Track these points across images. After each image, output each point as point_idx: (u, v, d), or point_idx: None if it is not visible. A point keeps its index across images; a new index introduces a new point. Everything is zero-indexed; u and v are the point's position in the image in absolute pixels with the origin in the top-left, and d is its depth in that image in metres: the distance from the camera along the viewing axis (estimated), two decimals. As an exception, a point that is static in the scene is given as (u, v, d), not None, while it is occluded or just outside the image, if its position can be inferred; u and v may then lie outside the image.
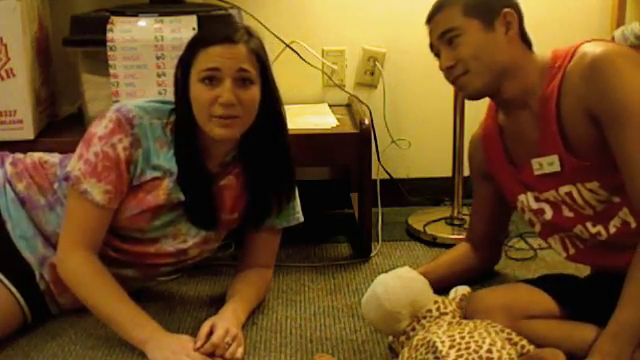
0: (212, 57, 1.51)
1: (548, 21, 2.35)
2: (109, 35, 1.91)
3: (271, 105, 1.60)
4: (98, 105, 1.99)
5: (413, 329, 1.43)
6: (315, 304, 1.79)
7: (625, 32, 2.16)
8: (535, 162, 1.54)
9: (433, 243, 2.17)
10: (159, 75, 1.94)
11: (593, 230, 1.52)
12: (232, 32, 1.54)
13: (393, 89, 2.45)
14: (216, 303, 1.72)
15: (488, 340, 1.29)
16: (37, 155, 1.72)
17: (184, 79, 1.55)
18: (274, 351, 1.56)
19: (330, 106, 2.35)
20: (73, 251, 1.55)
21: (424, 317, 1.43)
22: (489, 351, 1.27)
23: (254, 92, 1.55)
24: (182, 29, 1.93)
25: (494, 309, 1.47)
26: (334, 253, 2.11)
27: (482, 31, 1.50)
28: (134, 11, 1.99)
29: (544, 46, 1.57)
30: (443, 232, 2.20)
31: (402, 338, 1.44)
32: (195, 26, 1.94)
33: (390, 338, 1.50)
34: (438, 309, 1.44)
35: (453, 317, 1.44)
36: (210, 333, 1.50)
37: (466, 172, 1.99)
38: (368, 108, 2.32)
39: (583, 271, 1.72)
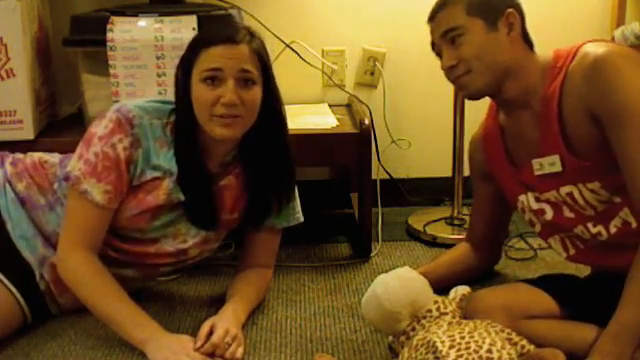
0: (214, 57, 1.51)
1: (548, 21, 2.35)
2: (109, 35, 1.91)
3: (272, 106, 1.60)
4: (98, 105, 1.99)
5: (413, 329, 1.43)
6: (315, 304, 1.79)
7: (625, 32, 2.16)
8: (536, 162, 1.53)
9: (433, 243, 2.17)
10: (159, 75, 1.94)
11: (594, 230, 1.52)
12: (234, 32, 1.54)
13: (393, 89, 2.45)
14: (216, 303, 1.72)
15: (488, 340, 1.29)
16: (37, 155, 1.72)
17: (185, 79, 1.55)
18: (274, 351, 1.56)
19: (330, 106, 2.35)
20: (73, 251, 1.55)
21: (424, 317, 1.43)
22: (489, 351, 1.27)
23: (256, 92, 1.55)
24: (182, 29, 1.93)
25: (494, 309, 1.47)
26: (334, 253, 2.11)
27: (485, 31, 1.50)
28: (134, 11, 1.99)
29: (545, 46, 1.57)
30: (443, 232, 2.20)
31: (402, 338, 1.44)
32: (195, 26, 1.94)
33: (390, 338, 1.50)
34: (438, 309, 1.44)
35: (453, 317, 1.43)
36: (210, 333, 1.50)
37: (466, 172, 1.99)
38: (368, 108, 2.32)
39: (583, 271, 1.72)
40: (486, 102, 1.63)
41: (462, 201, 2.29)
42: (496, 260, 1.91)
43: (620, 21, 2.34)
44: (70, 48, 2.02)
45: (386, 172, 2.44)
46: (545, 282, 1.59)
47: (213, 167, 1.63)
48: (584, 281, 1.66)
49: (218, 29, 1.64)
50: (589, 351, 1.40)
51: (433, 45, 1.58)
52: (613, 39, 2.19)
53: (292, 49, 2.34)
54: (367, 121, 2.02)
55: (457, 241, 1.98)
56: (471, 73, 1.51)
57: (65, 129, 2.10)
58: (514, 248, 2.09)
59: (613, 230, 1.50)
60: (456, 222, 2.27)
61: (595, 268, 1.67)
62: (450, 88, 2.18)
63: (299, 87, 2.40)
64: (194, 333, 1.53)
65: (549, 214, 1.58)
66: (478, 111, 1.77)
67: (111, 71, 1.93)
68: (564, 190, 1.52)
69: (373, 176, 2.18)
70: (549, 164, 1.51)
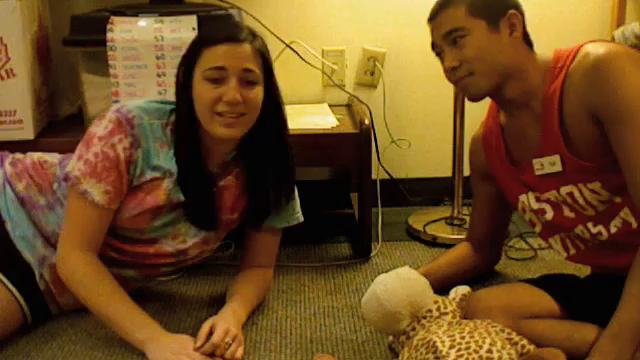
0: (217, 56, 1.51)
1: (548, 21, 2.36)
2: (109, 35, 1.91)
3: (273, 106, 1.61)
4: (98, 105, 1.99)
5: (413, 329, 1.43)
6: (315, 304, 1.79)
7: (625, 32, 2.16)
8: (536, 162, 1.53)
9: (433, 243, 2.16)
10: (159, 75, 1.94)
11: (594, 230, 1.52)
12: (237, 31, 1.55)
13: (393, 89, 2.45)
14: (216, 303, 1.72)
15: (488, 340, 1.29)
16: (37, 155, 1.72)
17: (186, 78, 1.55)
18: (274, 351, 1.56)
19: (330, 106, 2.35)
20: (73, 251, 1.55)
21: (424, 317, 1.43)
22: (489, 351, 1.27)
23: (258, 92, 1.55)
24: (182, 29, 1.93)
25: (494, 309, 1.47)
26: (334, 253, 2.11)
27: (488, 32, 1.49)
28: (134, 11, 1.99)
29: (545, 46, 1.57)
30: (443, 232, 2.20)
31: (402, 338, 1.44)
32: (195, 26, 1.94)
33: (390, 338, 1.50)
34: (438, 309, 1.44)
35: (453, 317, 1.44)
36: (210, 333, 1.50)
37: (466, 172, 1.99)
38: (368, 108, 2.32)
39: (583, 271, 1.73)
40: (486, 102, 1.63)
41: (462, 201, 2.29)
42: (496, 260, 1.91)
43: (620, 21, 2.34)
44: (70, 48, 2.02)
45: (386, 172, 2.44)
46: (545, 282, 1.59)
47: (213, 167, 1.63)
48: (584, 281, 1.66)
49: (220, 28, 1.64)
50: (589, 351, 1.40)
51: (433, 45, 1.57)
52: (613, 39, 2.19)
53: (292, 49, 2.34)
54: (367, 121, 2.02)
55: (457, 241, 1.98)
56: (474, 75, 1.51)
57: (65, 129, 2.10)
58: (514, 248, 2.09)
59: (613, 230, 1.50)
60: (456, 222, 2.27)
61: (595, 268, 1.67)
62: (450, 88, 2.19)
63: (299, 87, 2.40)
64: (194, 333, 1.53)
65: (549, 214, 1.58)
66: (478, 111, 1.77)
67: (111, 71, 1.93)
68: (564, 190, 1.52)
69: (373, 176, 2.18)
70: (549, 164, 1.51)
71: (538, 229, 1.65)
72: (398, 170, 2.48)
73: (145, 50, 1.92)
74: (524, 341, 1.38)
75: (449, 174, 2.31)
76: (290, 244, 2.06)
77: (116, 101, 1.91)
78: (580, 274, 1.71)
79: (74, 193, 1.55)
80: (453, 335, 1.32)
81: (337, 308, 1.76)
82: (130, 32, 1.93)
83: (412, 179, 2.51)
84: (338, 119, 2.16)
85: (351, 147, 2.02)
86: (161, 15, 1.96)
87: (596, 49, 1.43)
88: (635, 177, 1.38)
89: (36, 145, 1.90)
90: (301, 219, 1.77)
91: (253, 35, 1.56)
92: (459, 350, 1.28)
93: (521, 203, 1.63)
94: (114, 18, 1.95)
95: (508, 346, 1.30)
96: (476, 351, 1.27)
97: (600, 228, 1.51)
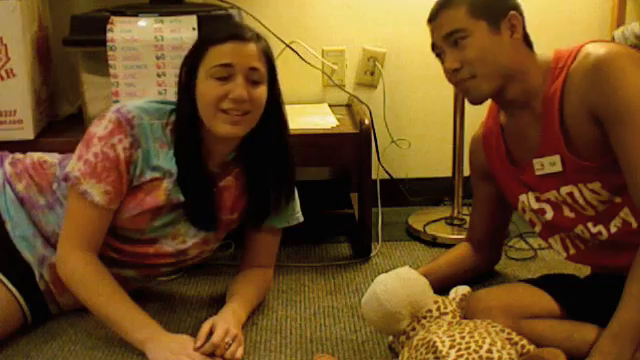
0: (224, 53, 1.51)
1: (548, 21, 2.35)
2: (109, 35, 1.91)
3: (275, 107, 1.61)
4: (98, 105, 1.99)
5: (413, 329, 1.43)
6: (315, 304, 1.79)
7: (625, 32, 2.16)
8: (537, 162, 1.53)
9: (433, 243, 2.17)
10: (159, 75, 1.94)
11: (594, 230, 1.52)
12: (242, 31, 1.55)
13: (393, 89, 2.45)
14: (216, 303, 1.72)
15: (488, 340, 1.29)
16: (36, 155, 1.72)
17: (190, 77, 1.55)
18: (274, 351, 1.56)
19: (330, 106, 2.35)
20: (73, 252, 1.55)
21: (424, 317, 1.43)
22: (489, 351, 1.27)
23: (263, 91, 1.55)
24: (182, 29, 1.93)
25: (494, 309, 1.47)
26: (334, 253, 2.11)
27: (489, 33, 1.49)
28: (134, 11, 1.99)
29: (545, 46, 1.56)
30: (443, 232, 2.20)
31: (402, 338, 1.44)
32: (195, 26, 1.94)
33: (390, 338, 1.50)
34: (438, 309, 1.44)
35: (453, 317, 1.43)
36: (210, 333, 1.50)
37: (466, 172, 1.99)
38: (368, 108, 2.32)
39: (583, 271, 1.73)
40: (486, 102, 1.63)
41: (462, 201, 2.29)
42: (496, 260, 1.91)
43: (620, 21, 2.34)
44: (70, 48, 2.02)
45: (386, 172, 2.44)
46: (545, 282, 1.59)
47: (213, 167, 1.63)
48: (584, 281, 1.66)
49: (224, 27, 1.64)
50: (589, 351, 1.40)
51: (433, 46, 1.57)
52: (613, 39, 2.19)
53: (292, 49, 2.34)
54: (367, 121, 2.02)
55: (457, 241, 1.98)
56: (476, 78, 1.50)
57: (65, 129, 2.10)
58: (514, 248, 2.09)
59: (613, 230, 1.50)
60: (456, 222, 2.27)
61: (595, 268, 1.67)
62: (450, 88, 2.18)
63: (299, 87, 2.40)
64: (194, 333, 1.53)
65: (549, 214, 1.58)
66: (478, 111, 1.77)
67: (111, 71, 1.93)
68: (564, 190, 1.52)
69: (373, 176, 2.18)
70: (550, 164, 1.51)
71: (538, 229, 1.65)
72: (398, 170, 2.48)
73: (145, 50, 1.92)
74: (524, 341, 1.38)
75: (449, 174, 2.31)
76: (290, 244, 2.06)
77: (116, 101, 1.91)
78: (580, 274, 1.71)
79: (74, 193, 1.55)
80: (453, 335, 1.32)
81: (337, 308, 1.76)
82: (130, 32, 1.93)
83: (412, 179, 2.51)
84: (338, 119, 2.16)
85: (351, 147, 2.02)
86: (161, 15, 1.96)
87: (597, 49, 1.43)
88: (635, 177, 1.38)
89: (36, 145, 1.89)
90: (301, 219, 1.77)
91: (257, 36, 1.57)
92: (459, 350, 1.28)
93: (521, 203, 1.63)
94: (114, 18, 1.95)
95: (508, 346, 1.30)
96: (476, 351, 1.27)
97: (600, 228, 1.51)
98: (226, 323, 1.52)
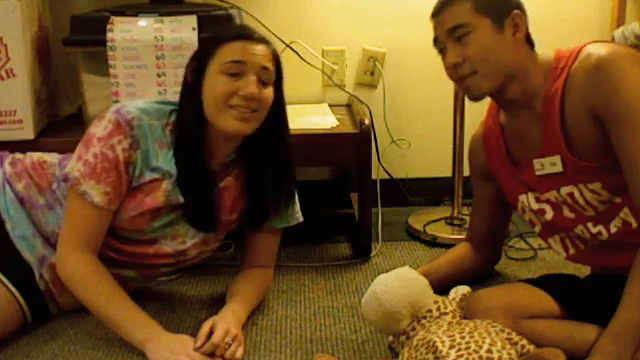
0: (236, 51, 1.52)
1: (549, 21, 2.36)
2: (109, 35, 1.91)
3: (278, 111, 1.62)
4: (98, 105, 1.99)
5: (413, 329, 1.43)
6: (315, 304, 1.79)
7: (625, 32, 2.16)
8: (537, 162, 1.53)
9: (433, 243, 2.16)
10: (159, 75, 1.94)
11: (594, 230, 1.52)
12: (251, 31, 1.57)
13: (393, 89, 2.45)
14: (216, 303, 1.72)
15: (488, 340, 1.29)
16: (36, 155, 1.72)
17: (197, 74, 1.55)
18: (274, 351, 1.56)
19: (330, 106, 2.35)
20: (73, 252, 1.55)
21: (424, 317, 1.43)
22: (489, 351, 1.27)
23: (271, 92, 1.57)
24: (182, 29, 1.93)
25: (494, 309, 1.47)
26: (334, 253, 2.11)
27: (492, 31, 1.49)
28: (134, 11, 1.99)
29: (545, 46, 1.56)
30: (443, 232, 2.20)
31: (402, 338, 1.44)
32: (195, 26, 1.94)
33: (390, 338, 1.50)
34: (438, 309, 1.44)
35: (453, 317, 1.43)
36: (210, 333, 1.50)
37: (466, 172, 1.99)
38: (368, 108, 2.32)
39: (583, 271, 1.73)
40: (486, 102, 1.63)
41: (462, 201, 2.29)
42: (496, 260, 1.91)
43: (620, 21, 2.34)
44: (70, 48, 2.02)
45: (386, 172, 2.44)
46: (545, 282, 1.59)
47: (214, 167, 1.63)
48: (584, 281, 1.66)
49: (232, 28, 1.64)
50: (589, 351, 1.40)
51: (436, 41, 1.56)
52: (613, 39, 2.19)
53: (292, 49, 2.34)
54: (367, 121, 2.02)
55: (457, 241, 1.98)
56: (477, 75, 1.50)
57: (65, 129, 2.10)
58: (514, 248, 2.09)
59: (613, 230, 1.50)
60: (456, 222, 2.27)
61: (595, 268, 1.67)
62: (450, 88, 2.19)
63: (299, 87, 2.40)
64: (194, 333, 1.53)
65: (549, 214, 1.58)
66: (478, 111, 1.77)
67: (111, 71, 1.93)
68: (565, 190, 1.52)
69: (373, 176, 2.18)
70: (550, 164, 1.51)
71: (538, 229, 1.65)
72: (398, 170, 2.48)
73: (145, 50, 1.92)
74: (524, 341, 1.38)
75: (449, 174, 2.31)
76: (290, 244, 2.06)
77: (116, 101, 1.91)
78: (580, 274, 1.71)
79: (73, 194, 1.55)
80: (453, 335, 1.32)
81: (337, 308, 1.76)
82: (130, 32, 1.93)
83: (412, 179, 2.51)
84: (338, 119, 2.16)
85: (351, 147, 2.02)
86: (161, 15, 1.96)
87: (598, 50, 1.43)
88: (636, 177, 1.38)
89: (36, 145, 1.89)
90: (301, 219, 1.77)
91: (265, 39, 1.58)
92: (459, 350, 1.28)
93: (521, 203, 1.63)
94: (114, 18, 1.95)
95: (508, 346, 1.30)
96: (476, 351, 1.27)
97: (600, 228, 1.51)
98: (226, 323, 1.52)
